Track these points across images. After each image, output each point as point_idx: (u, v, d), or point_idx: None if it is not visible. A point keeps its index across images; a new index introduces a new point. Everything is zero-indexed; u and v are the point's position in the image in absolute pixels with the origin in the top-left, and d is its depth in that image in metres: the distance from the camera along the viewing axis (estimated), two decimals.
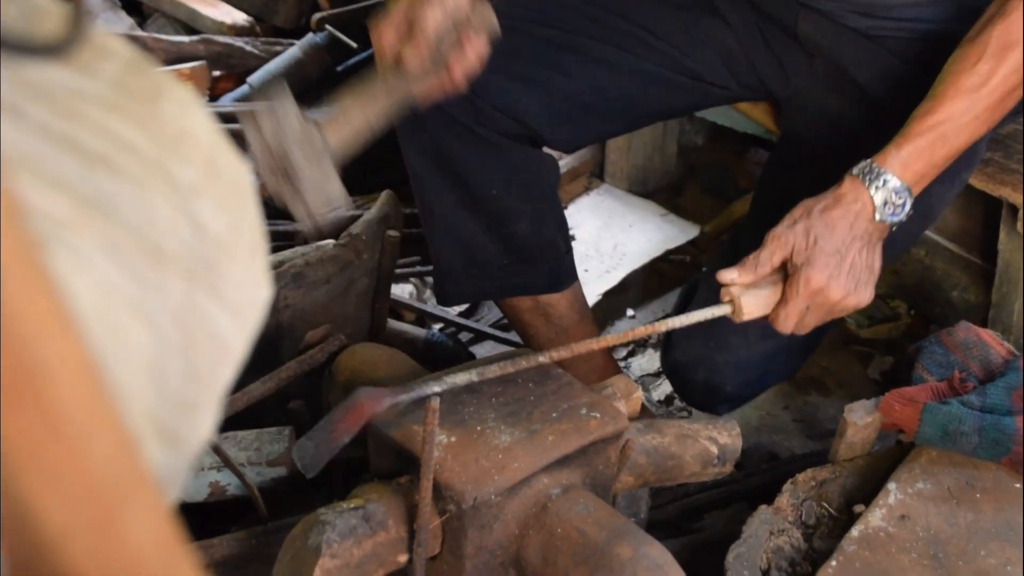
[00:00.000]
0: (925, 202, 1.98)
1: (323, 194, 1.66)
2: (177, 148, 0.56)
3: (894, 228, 1.76)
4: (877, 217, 1.73)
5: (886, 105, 1.97)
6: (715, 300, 2.06)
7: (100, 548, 0.44)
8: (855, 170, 1.74)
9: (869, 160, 1.74)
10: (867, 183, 1.72)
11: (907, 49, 1.97)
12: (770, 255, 1.72)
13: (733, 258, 2.07)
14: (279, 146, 1.65)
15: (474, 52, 1.78)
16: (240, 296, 0.57)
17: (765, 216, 2.07)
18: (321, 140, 1.68)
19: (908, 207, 1.74)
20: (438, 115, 2.04)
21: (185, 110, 0.57)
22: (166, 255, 0.53)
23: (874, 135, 1.98)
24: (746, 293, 1.73)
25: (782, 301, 1.72)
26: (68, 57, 0.52)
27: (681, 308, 2.19)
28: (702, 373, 2.07)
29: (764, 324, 2.03)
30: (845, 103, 2.02)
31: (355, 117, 1.76)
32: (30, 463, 0.41)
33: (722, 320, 2.04)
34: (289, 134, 1.66)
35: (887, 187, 1.72)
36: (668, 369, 2.17)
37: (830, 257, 1.70)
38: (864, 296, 1.73)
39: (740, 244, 2.07)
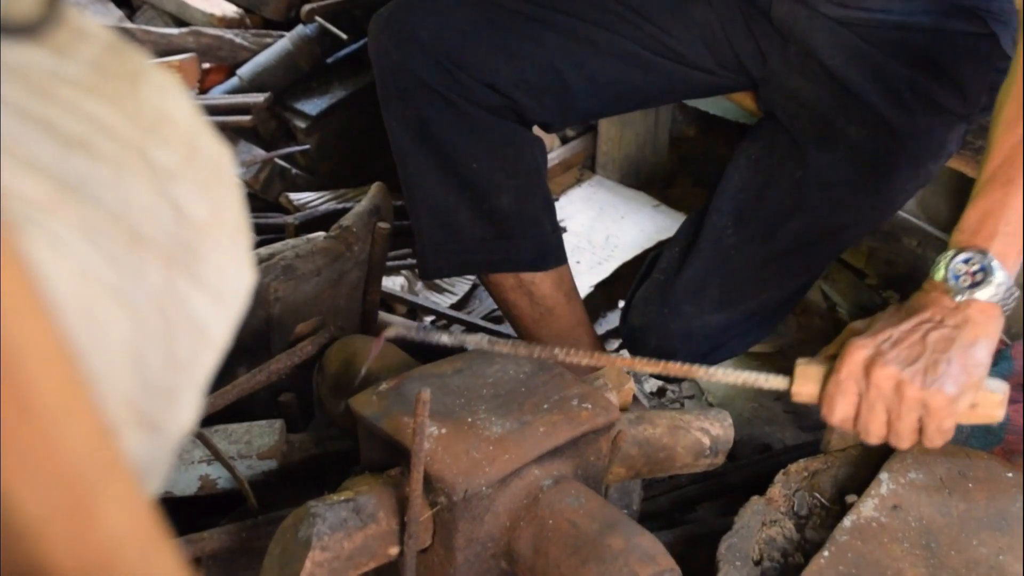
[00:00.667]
0: (888, 189, 1.99)
1: None
2: (156, 131, 0.55)
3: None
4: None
5: (856, 91, 1.98)
6: (677, 267, 2.06)
7: (75, 534, 0.43)
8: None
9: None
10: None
11: (878, 36, 1.98)
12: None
13: (698, 227, 2.07)
14: None
15: None
16: (222, 282, 0.56)
17: (734, 188, 2.07)
18: None
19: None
20: (421, 88, 2.04)
21: (165, 94, 0.56)
22: (145, 239, 0.52)
23: (840, 117, 1.98)
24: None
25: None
26: (44, 38, 0.51)
27: (645, 275, 2.18)
28: (654, 339, 2.07)
29: (720, 294, 2.03)
30: (815, 85, 2.03)
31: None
32: (3, 447, 0.41)
33: (678, 288, 2.03)
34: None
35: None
36: (624, 334, 2.17)
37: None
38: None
39: (708, 214, 2.07)
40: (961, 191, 2.54)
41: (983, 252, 1.49)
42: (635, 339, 2.12)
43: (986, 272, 1.48)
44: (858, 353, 1.49)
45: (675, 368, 1.59)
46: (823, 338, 2.67)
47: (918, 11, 1.95)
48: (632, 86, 2.18)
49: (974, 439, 1.79)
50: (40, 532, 0.42)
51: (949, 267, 1.51)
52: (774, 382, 1.57)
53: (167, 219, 0.54)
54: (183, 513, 1.89)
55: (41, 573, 0.42)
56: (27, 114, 0.49)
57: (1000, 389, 1.51)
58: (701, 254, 2.04)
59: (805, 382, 1.55)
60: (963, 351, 1.47)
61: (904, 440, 1.49)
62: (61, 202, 0.48)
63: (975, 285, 1.49)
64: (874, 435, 1.49)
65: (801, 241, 2.02)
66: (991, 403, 1.51)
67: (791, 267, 2.05)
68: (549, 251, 2.21)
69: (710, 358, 2.14)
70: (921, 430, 1.48)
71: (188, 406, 0.55)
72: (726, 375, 1.58)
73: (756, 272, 2.03)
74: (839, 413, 1.51)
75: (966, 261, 1.50)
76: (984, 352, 1.48)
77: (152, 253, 0.52)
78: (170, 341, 0.53)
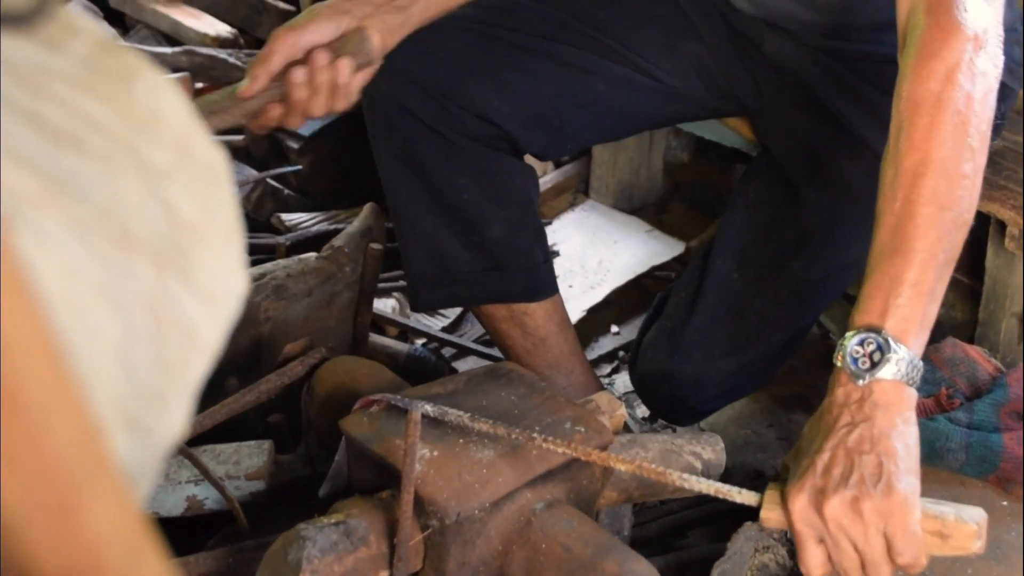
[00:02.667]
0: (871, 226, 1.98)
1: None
2: (149, 130, 0.54)
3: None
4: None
5: (848, 123, 1.97)
6: (685, 314, 2.05)
7: (60, 533, 0.42)
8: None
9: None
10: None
11: (872, 71, 1.97)
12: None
13: (703, 271, 2.06)
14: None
15: (335, 76, 1.74)
16: (213, 285, 0.55)
17: (736, 230, 2.07)
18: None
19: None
20: (409, 119, 2.03)
21: (158, 93, 0.55)
22: (135, 238, 0.51)
23: (837, 152, 1.98)
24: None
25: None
26: (34, 31, 0.50)
27: (653, 319, 2.17)
28: (665, 386, 2.07)
29: (729, 339, 2.02)
30: (811, 120, 2.03)
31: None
32: None
33: (687, 335, 2.03)
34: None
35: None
36: (635, 380, 2.16)
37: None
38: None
39: (712, 258, 2.06)
40: None
41: (877, 330, 1.42)
42: (645, 386, 2.12)
43: (883, 351, 1.41)
44: (799, 500, 1.41)
45: (649, 469, 1.53)
46: (815, 364, 2.66)
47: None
48: (626, 112, 2.18)
49: (969, 467, 1.78)
50: (23, 531, 0.41)
51: (847, 352, 1.44)
52: (745, 497, 1.52)
53: (158, 219, 0.52)
54: (170, 534, 1.87)
55: (24, 573, 0.41)
56: (16, 107, 0.48)
57: (976, 519, 1.44)
58: (708, 300, 2.03)
59: (773, 508, 1.49)
60: (886, 441, 1.39)
61: (881, 567, 1.41)
62: (49, 198, 0.47)
63: (874, 366, 1.41)
64: (853, 571, 1.43)
65: (806, 280, 2.01)
66: (965, 535, 1.44)
67: (798, 307, 2.04)
68: (541, 282, 2.19)
69: (720, 401, 2.13)
70: (890, 548, 1.39)
71: (178, 411, 0.54)
72: (698, 484, 1.53)
73: (764, 314, 2.02)
74: (813, 565, 1.43)
75: (861, 343, 1.43)
76: (905, 431, 1.41)
77: (142, 253, 0.51)
78: (160, 343, 0.52)
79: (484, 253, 2.13)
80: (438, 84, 2.03)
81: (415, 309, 2.29)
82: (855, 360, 1.43)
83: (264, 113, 1.76)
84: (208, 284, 0.55)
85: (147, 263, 0.51)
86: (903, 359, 1.41)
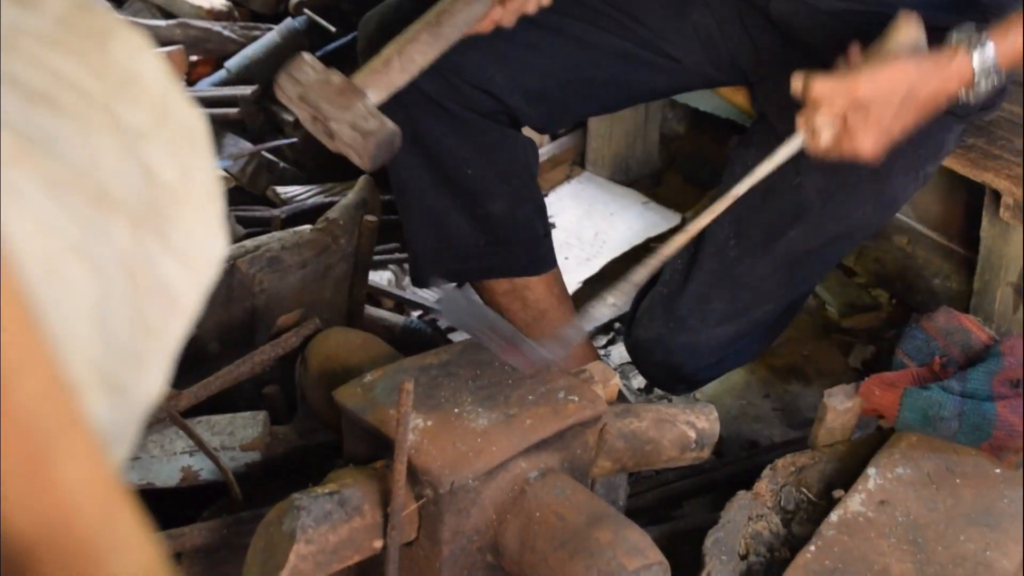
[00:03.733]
0: (887, 193, 1.97)
1: (360, 132, 1.70)
2: (125, 90, 0.53)
3: (962, 109, 1.77)
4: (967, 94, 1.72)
5: None
6: (681, 280, 2.05)
7: (30, 491, 0.42)
8: (956, 38, 1.72)
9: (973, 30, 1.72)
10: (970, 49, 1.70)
11: (875, 32, 1.96)
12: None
13: (700, 240, 2.06)
14: (307, 99, 1.73)
15: None
16: (192, 246, 0.55)
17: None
18: (346, 85, 1.74)
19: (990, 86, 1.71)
20: (413, 93, 2.02)
21: (135, 53, 0.55)
22: (111, 198, 0.50)
23: None
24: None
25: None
26: None
27: (648, 286, 2.16)
28: (660, 353, 2.06)
29: (725, 307, 2.02)
30: None
31: (392, 62, 1.80)
32: None
33: (683, 302, 2.03)
34: (313, 87, 1.73)
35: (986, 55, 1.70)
36: (630, 347, 2.16)
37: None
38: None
39: (708, 226, 2.06)
40: (952, 189, 2.54)
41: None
42: (640, 352, 2.12)
43: (982, 44, 1.68)
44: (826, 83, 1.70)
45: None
46: (811, 336, 2.66)
47: (916, 3, 1.93)
48: (627, 85, 2.17)
49: (962, 435, 1.79)
50: None
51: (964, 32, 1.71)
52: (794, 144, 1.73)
53: (135, 179, 0.52)
54: (164, 505, 1.87)
55: None
56: None
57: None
58: (704, 267, 2.03)
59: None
60: (922, 101, 1.69)
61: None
62: (23, 155, 0.47)
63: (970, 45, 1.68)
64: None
65: (803, 249, 2.00)
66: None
67: (794, 275, 2.04)
68: (542, 256, 2.19)
69: (716, 369, 2.13)
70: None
71: (156, 372, 0.54)
72: (751, 178, 1.75)
73: (759, 283, 2.02)
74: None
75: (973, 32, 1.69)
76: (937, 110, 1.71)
77: (119, 213, 0.51)
78: (137, 303, 0.52)
79: (487, 227, 2.13)
80: (442, 57, 2.02)
81: (417, 285, 2.28)
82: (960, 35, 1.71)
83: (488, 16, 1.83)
84: (186, 246, 0.55)
85: (124, 223, 0.51)
86: (988, 58, 1.68)
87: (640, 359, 2.14)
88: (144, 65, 0.55)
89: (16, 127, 0.47)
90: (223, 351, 2.03)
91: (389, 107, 2.06)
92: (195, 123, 0.57)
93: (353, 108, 1.71)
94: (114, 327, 0.50)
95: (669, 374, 2.09)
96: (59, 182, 0.48)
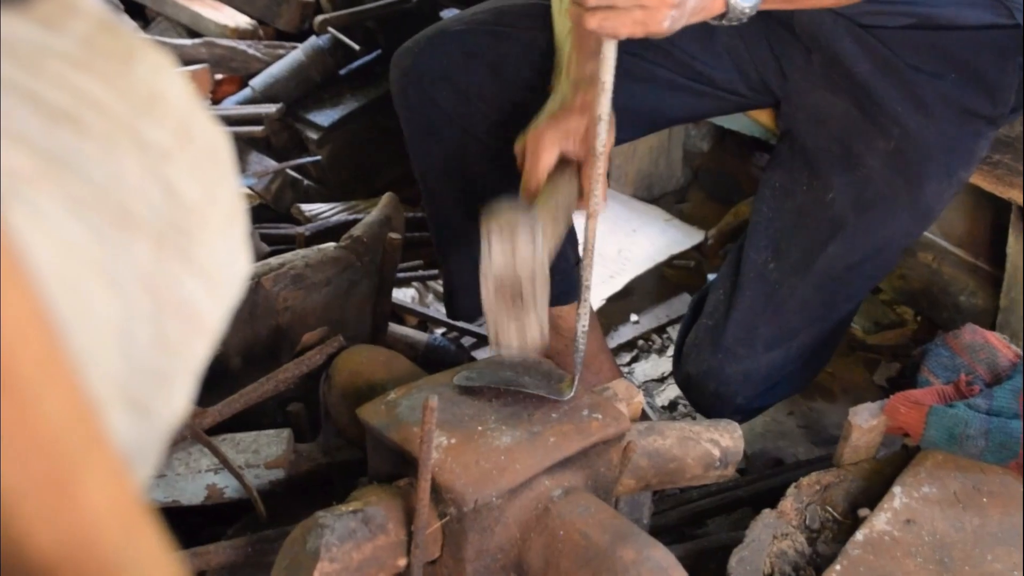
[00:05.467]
0: (922, 201, 1.97)
1: (529, 335, 1.65)
2: (149, 110, 0.54)
3: (729, 19, 1.65)
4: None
5: (878, 97, 1.96)
6: (725, 310, 2.05)
7: (53, 509, 0.42)
8: None
9: None
10: None
11: (901, 40, 1.96)
12: None
13: (738, 266, 2.06)
14: (516, 274, 1.64)
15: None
16: (215, 266, 0.55)
17: (766, 221, 2.06)
18: (545, 285, 1.66)
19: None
20: (450, 124, 2.03)
21: (158, 73, 0.55)
22: (134, 218, 0.51)
23: (865, 131, 1.96)
24: None
25: None
26: (32, 9, 0.50)
27: (692, 319, 2.16)
28: (712, 385, 2.06)
29: (772, 332, 2.01)
30: (839, 99, 2.01)
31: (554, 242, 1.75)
32: None
33: (729, 332, 2.02)
34: (533, 270, 1.64)
35: None
36: (680, 381, 2.16)
37: None
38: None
39: (745, 251, 2.06)
40: (978, 206, 2.52)
41: None
42: (692, 386, 2.11)
43: None
44: None
45: None
46: (837, 353, 2.65)
47: (943, 2, 1.92)
48: (662, 111, 2.17)
49: (989, 454, 1.77)
50: (17, 506, 0.41)
51: None
52: None
53: (158, 199, 0.52)
54: (189, 522, 1.88)
55: (18, 548, 0.41)
56: (12, 86, 0.48)
57: None
58: (746, 294, 2.02)
59: None
60: None
61: None
62: (46, 175, 0.47)
63: None
64: None
65: (843, 265, 1.99)
66: None
67: (836, 294, 2.03)
68: (573, 284, 2.19)
69: (769, 397, 2.12)
70: None
71: (180, 391, 0.54)
72: None
73: (803, 304, 2.01)
74: None
75: None
76: None
77: (142, 232, 0.51)
78: (160, 323, 0.52)
79: None
80: (477, 87, 2.02)
81: (453, 317, 2.28)
82: None
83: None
84: (210, 265, 0.55)
85: (147, 243, 0.51)
86: None
87: (692, 393, 2.13)
88: (168, 85, 0.55)
89: (40, 147, 0.48)
90: (247, 369, 2.03)
91: (429, 142, 2.06)
92: (218, 142, 0.58)
93: (540, 315, 1.65)
94: (137, 347, 0.51)
95: (723, 406, 2.08)
96: (82, 202, 0.48)
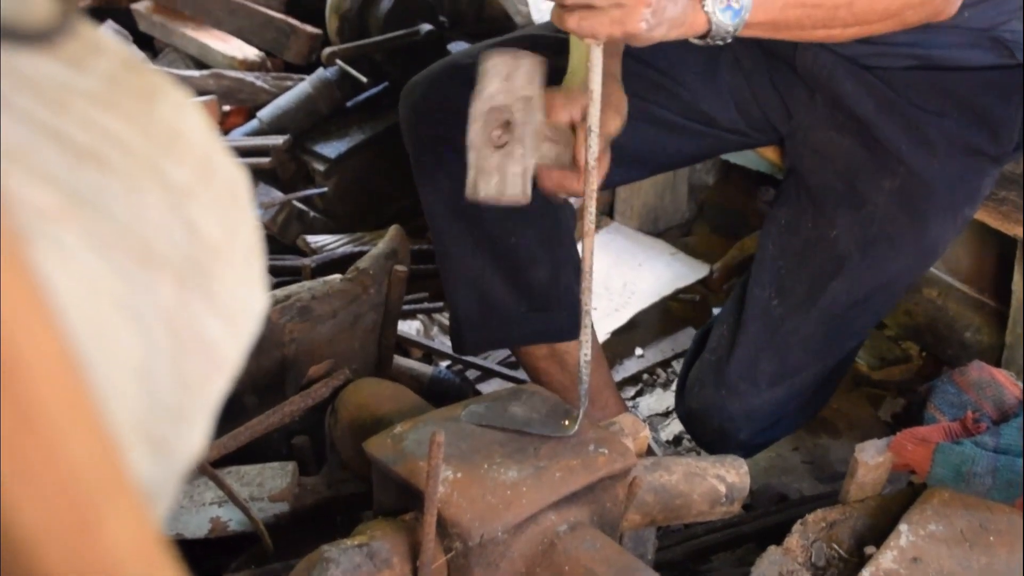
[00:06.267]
0: (926, 238, 1.97)
1: (510, 182, 1.61)
2: (171, 148, 0.54)
3: (712, 37, 1.62)
4: (706, 5, 1.59)
5: (882, 136, 1.96)
6: (728, 346, 2.05)
7: (77, 550, 0.42)
8: None
9: None
10: None
11: (904, 80, 1.97)
12: None
13: (742, 302, 2.06)
14: (509, 104, 1.61)
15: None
16: (234, 303, 0.55)
17: (771, 257, 2.06)
18: (535, 134, 1.63)
19: (740, 17, 1.61)
20: (459, 160, 2.03)
21: (180, 111, 0.55)
22: (157, 255, 0.51)
23: (869, 169, 1.97)
24: None
25: None
26: (57, 48, 0.50)
27: (696, 354, 2.17)
28: (715, 420, 2.06)
29: (775, 368, 2.01)
30: (843, 137, 2.01)
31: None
32: (4, 457, 0.39)
33: (732, 367, 2.03)
34: (528, 103, 1.61)
35: None
36: (682, 417, 2.16)
37: None
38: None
39: (749, 287, 2.06)
40: (983, 242, 2.53)
41: None
42: (695, 421, 2.11)
43: None
44: None
45: None
46: (841, 389, 2.64)
47: (943, 44, 1.93)
48: (666, 151, 2.17)
49: (996, 492, 1.77)
50: (40, 546, 0.41)
51: None
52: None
53: (180, 237, 0.53)
54: (193, 556, 1.87)
55: None
56: (38, 124, 0.49)
57: None
58: (749, 330, 2.03)
59: None
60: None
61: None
62: (71, 214, 0.47)
63: None
64: None
65: (847, 302, 2.00)
66: None
67: (840, 330, 2.03)
68: (580, 319, 2.20)
69: (772, 433, 2.12)
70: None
71: (198, 429, 0.54)
72: None
73: (806, 341, 2.01)
74: None
75: None
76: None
77: (164, 270, 0.51)
78: (180, 361, 0.52)
79: (529, 294, 2.13)
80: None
81: (459, 352, 2.28)
82: None
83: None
84: (229, 302, 0.55)
85: (169, 281, 0.51)
86: None
87: (695, 428, 2.13)
88: (189, 123, 0.56)
89: (66, 185, 0.48)
90: (252, 401, 2.03)
91: (437, 176, 2.07)
92: (238, 179, 0.58)
93: (526, 158, 1.61)
94: (158, 384, 0.51)
95: (725, 441, 2.08)
96: (106, 240, 0.48)
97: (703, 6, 1.57)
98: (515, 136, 1.58)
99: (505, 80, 1.59)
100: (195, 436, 0.54)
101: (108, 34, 0.54)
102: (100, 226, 0.48)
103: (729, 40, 1.61)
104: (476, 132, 1.59)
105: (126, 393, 0.49)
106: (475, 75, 2.04)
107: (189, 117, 0.56)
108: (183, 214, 0.53)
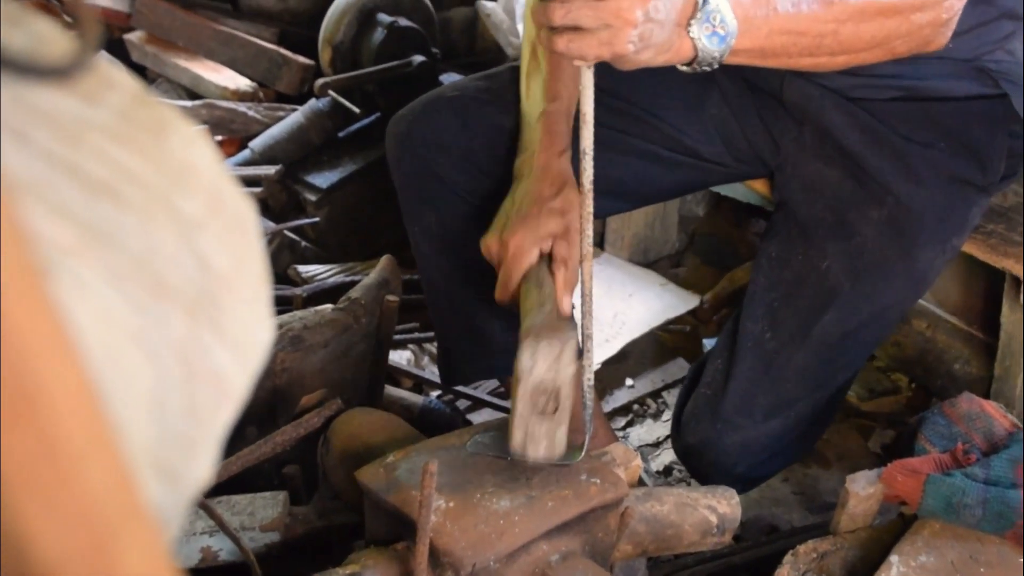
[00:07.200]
0: (916, 269, 1.98)
1: (557, 445, 1.67)
2: (182, 181, 0.55)
3: (699, 63, 1.63)
4: (692, 31, 1.59)
5: (870, 168, 1.98)
6: (723, 380, 2.06)
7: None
8: None
9: None
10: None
11: (891, 111, 1.98)
12: None
13: (735, 335, 2.07)
14: (557, 384, 1.66)
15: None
16: (242, 334, 0.56)
17: (763, 290, 2.07)
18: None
19: (725, 43, 1.62)
20: (445, 192, 2.04)
21: (190, 144, 0.56)
22: (169, 287, 0.52)
23: (858, 201, 1.98)
24: None
25: None
26: (74, 84, 0.51)
27: (690, 389, 2.17)
28: (711, 454, 2.06)
29: (770, 401, 2.02)
30: (832, 169, 2.03)
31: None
32: (25, 485, 0.40)
33: (727, 401, 2.03)
34: (569, 379, 1.67)
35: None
36: (679, 452, 2.16)
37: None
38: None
39: (742, 321, 2.07)
40: (972, 274, 2.54)
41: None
42: (691, 456, 2.11)
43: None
44: None
45: None
46: (833, 423, 2.65)
47: (929, 74, 1.95)
48: (652, 183, 2.18)
49: (986, 523, 1.77)
50: (58, 572, 0.42)
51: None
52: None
53: (191, 268, 0.53)
54: None
55: None
56: (56, 159, 0.49)
57: None
58: (743, 364, 2.03)
59: None
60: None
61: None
62: (87, 247, 0.48)
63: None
64: None
65: (839, 333, 2.00)
66: None
67: (834, 361, 2.04)
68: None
69: (769, 466, 2.12)
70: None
71: (206, 458, 0.55)
72: None
73: (800, 373, 2.02)
74: None
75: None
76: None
77: (176, 302, 0.52)
78: (190, 391, 0.53)
79: (517, 325, 2.13)
80: (473, 155, 2.04)
81: (448, 383, 2.28)
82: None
83: None
84: (237, 333, 0.56)
85: (180, 312, 0.52)
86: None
87: (692, 463, 2.13)
88: (198, 155, 0.57)
89: (82, 219, 0.49)
90: (244, 430, 2.03)
91: (424, 209, 2.08)
92: (246, 211, 0.59)
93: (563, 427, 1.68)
94: (168, 414, 0.51)
95: (722, 475, 2.08)
96: (121, 273, 0.49)
97: (689, 32, 1.58)
98: (561, 413, 1.65)
99: (555, 361, 1.66)
100: (203, 465, 0.54)
101: (119, 68, 0.55)
102: (115, 259, 0.49)
103: (715, 66, 1.62)
104: (526, 405, 1.65)
105: (138, 423, 0.50)
106: (459, 108, 2.06)
107: (198, 149, 0.57)
108: (194, 246, 0.54)
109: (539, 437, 1.65)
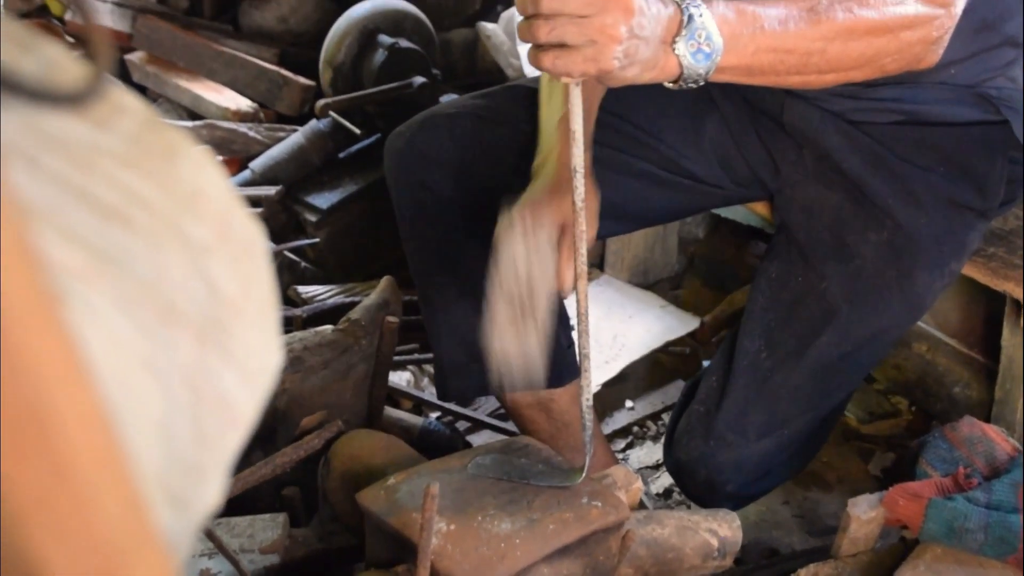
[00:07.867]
0: (914, 292, 1.99)
1: (528, 357, 1.65)
2: (191, 206, 0.55)
3: (684, 80, 1.62)
4: (677, 48, 1.58)
5: (869, 191, 1.98)
6: (717, 397, 2.05)
7: None
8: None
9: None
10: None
11: (891, 135, 1.99)
12: None
13: (732, 353, 2.07)
14: (530, 283, 1.66)
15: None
16: (251, 360, 0.56)
17: (761, 310, 2.07)
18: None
19: (711, 60, 1.60)
20: (443, 209, 2.04)
21: (200, 169, 0.56)
22: (179, 313, 0.51)
23: (857, 223, 1.98)
24: None
25: None
26: (85, 110, 0.51)
27: (684, 405, 2.17)
28: (703, 471, 2.06)
29: (763, 420, 2.02)
30: (832, 192, 2.03)
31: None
32: (36, 512, 0.40)
33: (721, 419, 2.03)
34: (551, 276, 1.67)
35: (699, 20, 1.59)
36: (671, 467, 2.15)
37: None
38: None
39: (739, 339, 2.07)
40: (972, 298, 2.54)
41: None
42: (683, 472, 2.11)
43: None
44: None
45: None
46: (832, 443, 2.65)
47: (929, 99, 1.95)
48: (651, 205, 2.19)
49: (988, 548, 1.77)
50: None
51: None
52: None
53: (200, 294, 0.53)
54: None
55: None
56: (68, 184, 0.49)
57: None
58: (738, 382, 2.03)
59: None
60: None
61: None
62: (98, 273, 0.48)
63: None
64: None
65: (836, 354, 2.01)
66: None
67: (829, 382, 2.04)
68: (565, 368, 2.20)
69: (761, 484, 2.12)
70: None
71: (214, 484, 0.55)
72: None
73: (795, 393, 2.02)
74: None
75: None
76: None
77: (185, 327, 0.52)
78: (199, 417, 0.53)
79: None
80: (469, 172, 2.04)
81: (444, 399, 2.28)
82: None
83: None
84: (246, 358, 0.56)
85: (190, 337, 0.52)
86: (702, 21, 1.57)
87: (683, 480, 2.13)
88: (208, 180, 0.57)
89: (92, 244, 0.49)
90: (244, 452, 2.03)
91: (419, 225, 2.08)
92: (254, 236, 0.59)
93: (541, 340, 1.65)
94: (177, 440, 0.51)
95: (714, 493, 2.08)
96: (131, 298, 0.49)
97: (675, 50, 1.58)
98: (535, 319, 1.63)
99: (526, 261, 1.66)
100: (211, 491, 0.54)
101: (129, 93, 0.55)
102: (125, 285, 0.49)
103: (701, 83, 1.62)
104: (498, 310, 1.67)
105: (148, 449, 0.49)
106: (455, 126, 2.06)
107: (208, 174, 0.57)
108: (203, 271, 0.53)
109: (510, 349, 1.63)
